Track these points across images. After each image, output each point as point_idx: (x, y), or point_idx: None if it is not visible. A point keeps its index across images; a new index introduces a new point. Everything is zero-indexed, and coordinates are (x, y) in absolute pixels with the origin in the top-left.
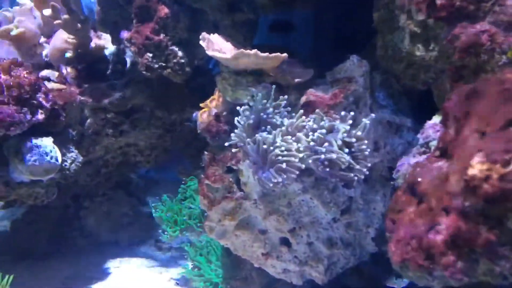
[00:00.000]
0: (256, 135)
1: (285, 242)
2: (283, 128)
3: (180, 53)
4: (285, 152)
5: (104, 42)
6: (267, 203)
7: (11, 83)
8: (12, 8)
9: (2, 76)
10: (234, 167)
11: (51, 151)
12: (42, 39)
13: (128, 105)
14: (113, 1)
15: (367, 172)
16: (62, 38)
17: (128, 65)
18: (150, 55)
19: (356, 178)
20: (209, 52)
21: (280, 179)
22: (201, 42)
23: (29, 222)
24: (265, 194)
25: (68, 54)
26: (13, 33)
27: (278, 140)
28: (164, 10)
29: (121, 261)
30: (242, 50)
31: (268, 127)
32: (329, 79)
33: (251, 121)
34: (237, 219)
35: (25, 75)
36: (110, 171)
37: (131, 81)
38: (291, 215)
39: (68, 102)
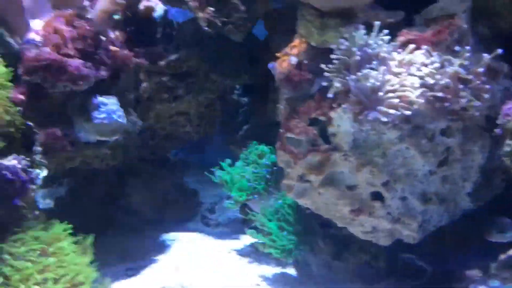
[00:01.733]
0: (362, 71)
1: (377, 197)
2: (392, 63)
3: (242, 7)
4: (398, 87)
5: (153, 3)
6: (359, 155)
7: (76, 35)
8: None
9: (65, 28)
10: (321, 118)
11: (117, 110)
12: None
13: (183, 67)
14: None
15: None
16: None
17: (178, 27)
18: (212, 9)
19: (477, 114)
20: None
21: (389, 119)
22: None
23: (72, 200)
24: (357, 146)
25: (116, 17)
26: None
27: (389, 75)
28: None
29: (174, 236)
30: None
31: (374, 63)
32: (419, 21)
33: (357, 57)
34: (324, 173)
35: (88, 27)
36: (157, 144)
37: (184, 43)
38: (386, 167)
39: (124, 63)
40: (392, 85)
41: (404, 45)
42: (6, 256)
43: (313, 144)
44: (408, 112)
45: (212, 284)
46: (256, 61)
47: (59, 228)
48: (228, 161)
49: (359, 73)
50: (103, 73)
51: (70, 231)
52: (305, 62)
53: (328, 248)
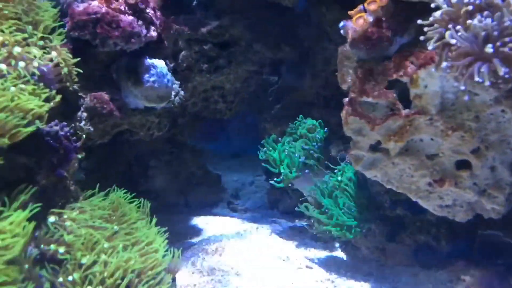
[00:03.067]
0: (474, 20)
1: (462, 166)
2: (509, 8)
3: None
4: None
5: None
6: (447, 118)
7: None
8: None
9: None
10: (402, 79)
11: (167, 74)
12: None
13: (226, 35)
14: None
15: None
16: None
17: None
18: None
19: None
20: None
21: (507, 70)
22: None
23: (92, 182)
24: (445, 108)
25: None
26: None
27: (507, 20)
28: None
29: (204, 220)
30: None
31: (485, 13)
32: None
33: (469, 7)
34: (405, 140)
35: None
36: (185, 122)
37: (225, 10)
38: (478, 132)
39: (166, 28)
40: (510, 34)
41: None
42: (68, 223)
43: (392, 108)
44: None
45: (263, 267)
46: (294, 34)
47: (118, 195)
48: (274, 136)
49: (470, 21)
50: (153, 33)
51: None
52: (385, 19)
53: (381, 229)
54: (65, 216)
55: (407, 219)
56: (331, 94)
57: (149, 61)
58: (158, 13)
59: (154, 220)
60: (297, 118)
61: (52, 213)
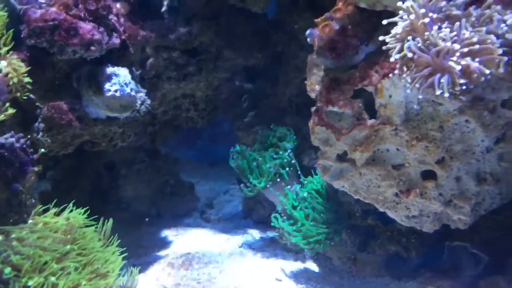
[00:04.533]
0: (431, 31)
1: (428, 176)
2: (469, 19)
3: None
4: (476, 47)
5: None
6: (412, 128)
7: None
8: None
9: None
10: (368, 88)
11: (130, 82)
12: None
13: (195, 42)
14: None
15: None
16: None
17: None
18: None
19: None
20: None
21: (466, 81)
22: None
23: (59, 193)
24: (410, 119)
25: None
26: None
27: (466, 32)
28: None
29: (175, 231)
30: None
31: (444, 23)
32: None
33: (426, 19)
34: (371, 150)
35: None
36: (156, 131)
37: (195, 16)
38: (442, 142)
39: (131, 35)
40: (469, 45)
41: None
42: (15, 243)
43: (358, 118)
44: (487, 75)
45: (231, 279)
46: (266, 41)
47: (73, 213)
48: (242, 147)
49: (428, 33)
50: (116, 40)
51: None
52: (350, 27)
53: (352, 238)
54: (13, 236)
55: (378, 228)
56: (304, 102)
57: (111, 69)
58: (122, 19)
59: (115, 238)
60: (270, 125)
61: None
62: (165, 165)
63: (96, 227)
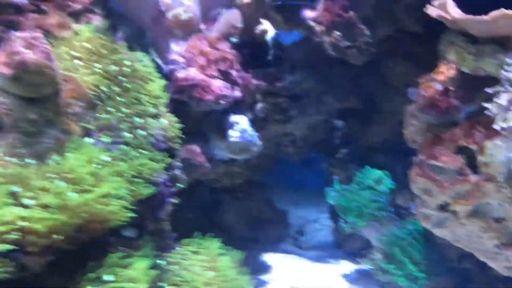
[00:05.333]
0: None
1: None
2: None
3: (367, 32)
4: None
5: (266, 27)
6: None
7: (219, 57)
8: None
9: (208, 49)
10: (471, 146)
11: (249, 129)
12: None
13: (298, 89)
14: None
15: None
16: (228, 23)
17: (286, 49)
18: (339, 33)
19: None
20: (454, 15)
21: None
22: (436, 3)
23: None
24: None
25: (234, 39)
26: (183, 17)
27: None
28: None
29: (272, 256)
30: (504, 10)
31: None
32: None
33: None
34: (472, 204)
35: (228, 50)
36: (259, 164)
37: (296, 65)
38: None
39: (247, 86)
40: None
41: None
42: (176, 267)
43: (460, 173)
44: None
45: None
46: (360, 84)
47: (211, 242)
48: (341, 186)
49: None
50: (237, 93)
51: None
52: (453, 88)
53: (448, 281)
54: (171, 260)
55: (474, 273)
56: (397, 142)
57: (233, 118)
58: (241, 74)
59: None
60: (362, 163)
61: (162, 256)
62: (260, 192)
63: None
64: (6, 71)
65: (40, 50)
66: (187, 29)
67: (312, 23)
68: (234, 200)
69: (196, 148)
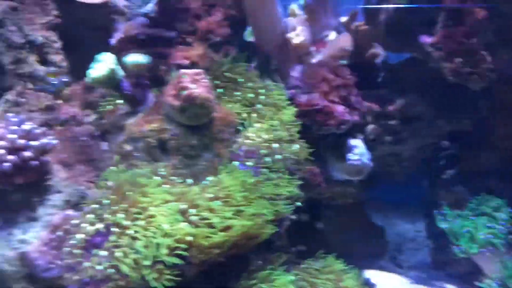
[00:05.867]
0: None
1: None
2: None
3: (489, 58)
4: None
5: (379, 50)
6: None
7: (340, 83)
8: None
9: (331, 76)
10: None
11: (365, 153)
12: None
13: (410, 112)
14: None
15: None
16: (339, 47)
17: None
18: (460, 60)
19: None
20: None
21: None
22: None
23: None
24: None
25: (344, 62)
26: (295, 41)
27: None
28: (480, 13)
29: (374, 274)
30: None
31: None
32: None
33: None
34: None
35: (349, 77)
36: (367, 183)
37: (408, 86)
38: None
39: (361, 109)
40: None
41: None
42: (304, 283)
43: None
44: None
45: None
46: (473, 107)
47: (333, 260)
48: (448, 209)
49: None
50: (356, 118)
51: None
52: None
53: None
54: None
55: None
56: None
57: (351, 141)
58: (357, 98)
59: None
60: (471, 187)
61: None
62: (360, 208)
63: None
64: (175, 102)
65: (202, 85)
66: (299, 53)
67: (430, 49)
68: (338, 216)
69: (315, 169)
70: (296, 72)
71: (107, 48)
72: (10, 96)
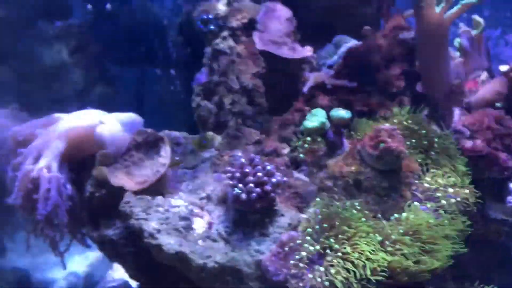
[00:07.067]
0: None
1: None
2: None
3: None
4: None
5: None
6: None
7: (504, 132)
8: None
9: (495, 126)
10: None
11: None
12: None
13: None
14: None
15: None
16: (495, 90)
17: None
18: None
19: None
20: None
21: None
22: None
23: None
24: None
25: (498, 104)
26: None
27: None
28: None
29: None
30: None
31: None
32: None
33: None
34: None
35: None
36: None
37: None
38: None
39: None
40: None
41: None
42: None
43: None
44: None
45: None
46: None
47: None
48: None
49: None
50: None
51: None
52: None
53: None
54: None
55: None
56: None
57: (511, 185)
58: None
59: None
60: None
61: None
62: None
63: None
64: (373, 152)
65: (397, 140)
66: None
67: None
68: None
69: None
70: (457, 116)
71: (297, 93)
72: (230, 131)
